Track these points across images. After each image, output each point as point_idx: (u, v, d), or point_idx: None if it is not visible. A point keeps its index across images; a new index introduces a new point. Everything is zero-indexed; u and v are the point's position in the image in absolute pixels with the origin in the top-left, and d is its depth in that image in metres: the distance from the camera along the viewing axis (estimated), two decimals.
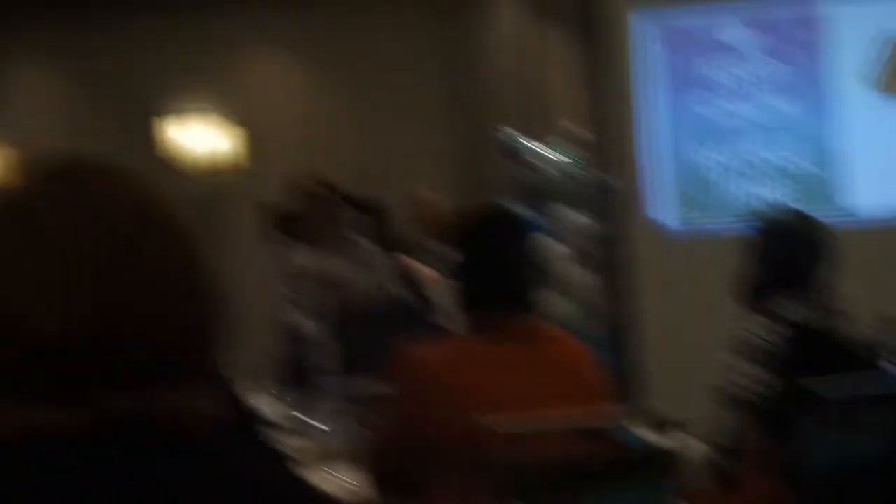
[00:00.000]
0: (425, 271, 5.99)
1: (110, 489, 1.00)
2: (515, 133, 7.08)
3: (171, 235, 1.09)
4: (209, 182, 8.48)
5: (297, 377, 4.91)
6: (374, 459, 2.86)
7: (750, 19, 7.03)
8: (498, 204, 2.93)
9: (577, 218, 6.99)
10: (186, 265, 1.09)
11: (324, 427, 3.44)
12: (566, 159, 6.99)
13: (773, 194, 7.16)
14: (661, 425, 2.93)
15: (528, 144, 7.06)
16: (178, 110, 8.51)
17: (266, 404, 4.09)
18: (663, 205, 7.33)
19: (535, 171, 6.98)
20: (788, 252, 3.24)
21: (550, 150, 7.02)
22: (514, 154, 7.02)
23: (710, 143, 7.26)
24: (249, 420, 1.11)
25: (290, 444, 3.16)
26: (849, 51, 6.88)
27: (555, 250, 6.87)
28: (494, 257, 2.78)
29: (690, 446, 2.88)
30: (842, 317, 3.22)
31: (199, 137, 8.42)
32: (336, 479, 3.04)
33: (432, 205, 6.96)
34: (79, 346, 1.02)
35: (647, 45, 7.33)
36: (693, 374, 6.77)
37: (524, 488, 2.49)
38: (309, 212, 5.43)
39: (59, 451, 1.01)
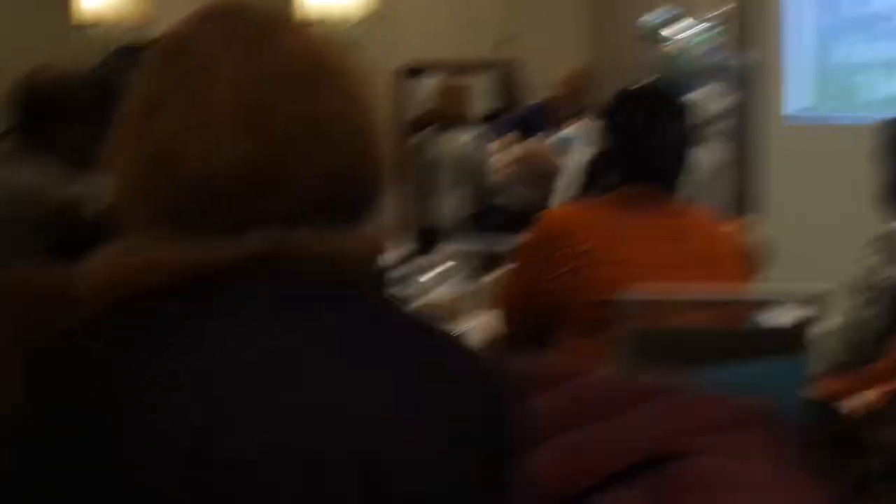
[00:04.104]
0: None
1: (261, 326, 1.00)
2: (657, 15, 6.94)
3: (337, 81, 1.09)
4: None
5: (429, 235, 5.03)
6: (503, 309, 2.92)
7: None
8: (656, 83, 2.94)
9: (714, 97, 6.87)
10: (350, 113, 1.08)
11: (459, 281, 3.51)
12: (707, 40, 6.85)
13: None
14: (795, 302, 2.94)
15: (671, 26, 6.92)
16: None
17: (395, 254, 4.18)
18: (798, 90, 7.18)
19: (675, 52, 6.85)
20: None
21: (692, 31, 6.88)
22: (655, 36, 6.89)
23: (856, 35, 7.06)
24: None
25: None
26: None
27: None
28: (653, 133, 2.79)
29: (824, 324, 2.89)
30: None
31: None
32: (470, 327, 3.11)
33: (584, 79, 6.91)
34: (234, 187, 1.03)
35: None
36: (816, 263, 6.70)
37: (649, 354, 2.53)
38: None
39: (215, 289, 1.02)
